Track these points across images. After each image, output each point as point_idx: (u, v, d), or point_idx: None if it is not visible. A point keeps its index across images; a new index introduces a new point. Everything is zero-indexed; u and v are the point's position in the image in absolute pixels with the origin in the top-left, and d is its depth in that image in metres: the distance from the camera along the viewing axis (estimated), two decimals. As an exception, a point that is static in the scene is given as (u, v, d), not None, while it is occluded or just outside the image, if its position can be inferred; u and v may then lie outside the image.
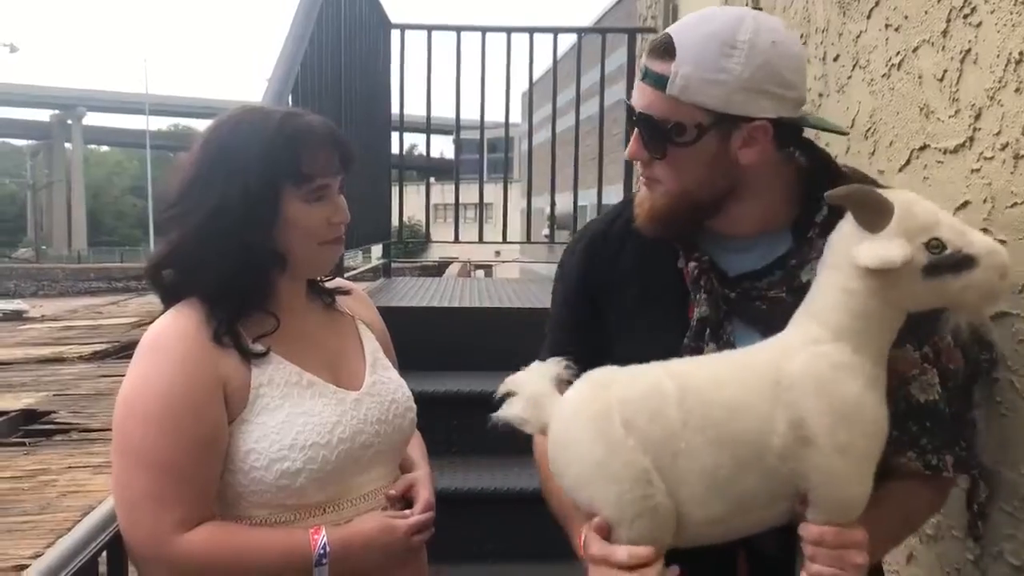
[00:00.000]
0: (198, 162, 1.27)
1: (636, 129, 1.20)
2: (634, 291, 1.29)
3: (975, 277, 1.02)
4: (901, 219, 1.03)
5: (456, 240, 5.03)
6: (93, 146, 68.22)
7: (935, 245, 1.02)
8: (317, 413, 1.28)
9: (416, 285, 4.74)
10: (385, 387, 1.41)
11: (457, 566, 2.71)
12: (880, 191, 1.05)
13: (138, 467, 1.20)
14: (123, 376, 1.27)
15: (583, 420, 1.08)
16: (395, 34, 4.66)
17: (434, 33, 4.57)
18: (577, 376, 1.13)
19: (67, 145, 56.93)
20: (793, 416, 1.03)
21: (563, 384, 1.13)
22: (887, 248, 1.02)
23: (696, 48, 1.13)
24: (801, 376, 1.04)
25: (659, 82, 1.15)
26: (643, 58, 1.20)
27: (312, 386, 1.30)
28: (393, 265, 5.10)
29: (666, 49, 1.14)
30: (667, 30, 1.17)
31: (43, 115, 57.33)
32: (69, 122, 55.12)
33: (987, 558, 1.39)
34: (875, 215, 1.03)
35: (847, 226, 1.07)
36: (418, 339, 3.32)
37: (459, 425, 2.97)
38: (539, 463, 1.31)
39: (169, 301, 1.30)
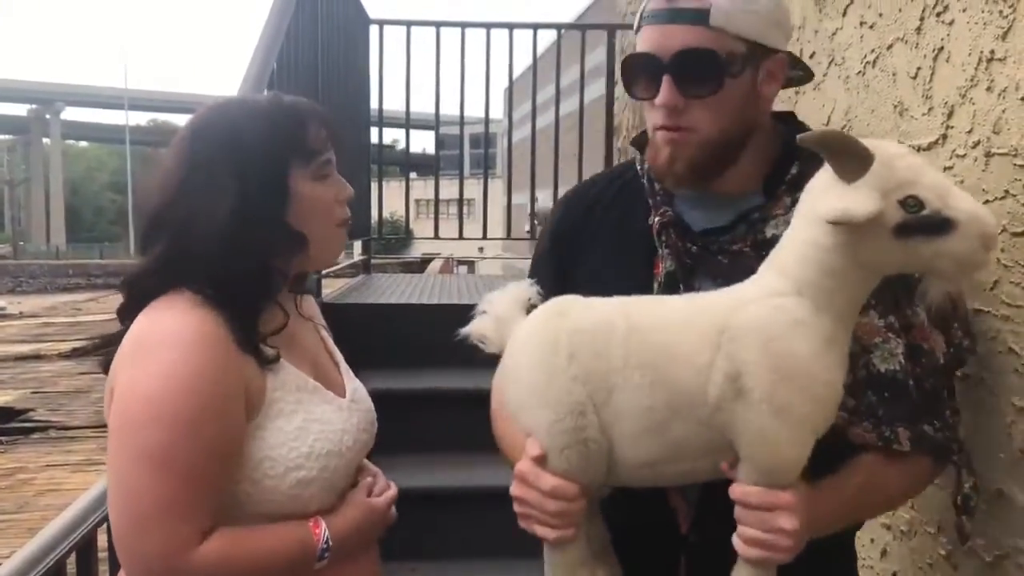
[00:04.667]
0: (191, 159, 1.19)
1: (668, 76, 1.15)
2: (605, 245, 1.31)
3: (951, 244, 0.93)
4: (879, 170, 0.94)
5: (436, 236, 5.02)
6: (71, 141, 67.52)
7: (912, 203, 0.93)
8: (328, 420, 1.23)
9: (397, 281, 4.73)
10: (362, 394, 1.38)
11: (437, 563, 2.72)
12: (864, 140, 0.97)
13: (158, 474, 1.08)
14: (102, 373, 1.19)
15: (532, 345, 1.09)
16: (374, 29, 4.64)
17: (413, 28, 4.56)
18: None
19: (45, 140, 56.36)
20: (732, 368, 0.99)
21: (532, 309, 1.15)
22: (852, 200, 0.94)
23: None
24: (748, 328, 1.00)
25: (698, 17, 1.14)
26: (656, 2, 1.17)
27: (317, 392, 1.25)
28: (374, 261, 5.08)
29: None
30: None
31: (20, 110, 56.71)
32: (47, 117, 54.54)
33: (959, 553, 1.40)
34: (851, 163, 0.95)
35: (824, 174, 1.00)
36: (398, 336, 3.32)
37: (438, 422, 2.97)
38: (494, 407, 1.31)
39: (144, 303, 1.18)
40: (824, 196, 0.98)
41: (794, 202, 1.09)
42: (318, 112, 1.28)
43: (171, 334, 1.12)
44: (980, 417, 1.34)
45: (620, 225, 1.31)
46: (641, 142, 1.32)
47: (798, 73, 1.31)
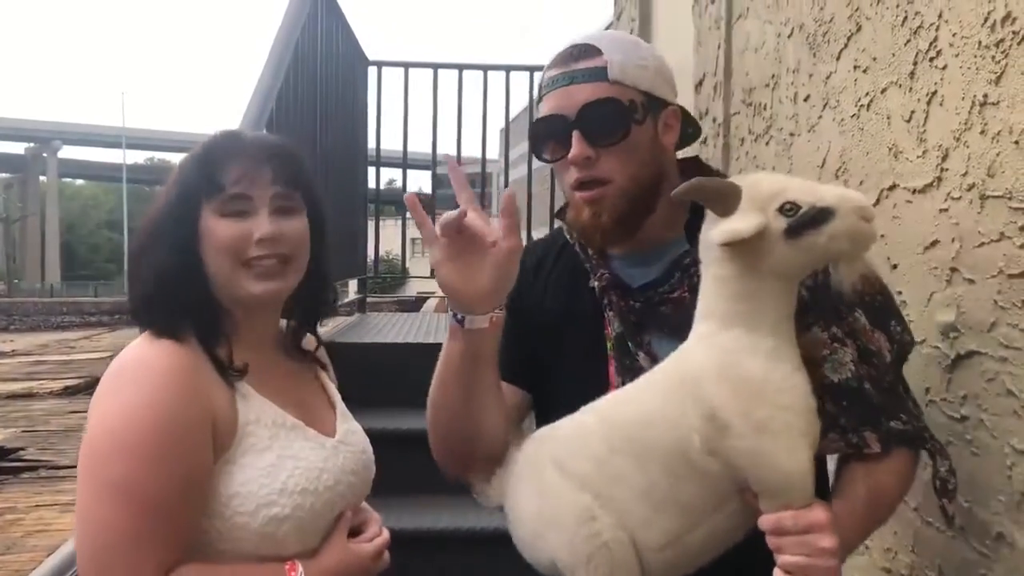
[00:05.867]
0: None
1: (577, 131, 1.23)
2: (556, 311, 1.35)
3: (836, 226, 1.03)
4: (749, 195, 1.05)
5: (432, 275, 5.01)
6: (68, 179, 67.72)
7: (788, 208, 1.04)
8: (304, 457, 1.21)
9: (392, 320, 4.72)
10: (357, 437, 1.36)
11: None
12: (728, 179, 1.08)
13: (121, 505, 1.08)
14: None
15: (523, 477, 1.15)
16: (372, 70, 4.68)
17: (411, 70, 4.60)
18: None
19: (42, 178, 56.51)
20: (704, 409, 1.03)
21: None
22: (737, 222, 1.04)
23: (615, 44, 1.26)
24: (701, 369, 1.05)
25: (597, 74, 1.23)
26: (554, 71, 1.27)
27: (295, 429, 1.24)
28: (369, 300, 5.08)
29: (588, 49, 1.25)
30: (572, 42, 1.28)
31: (18, 148, 56.89)
32: (44, 155, 54.73)
33: (961, 598, 1.39)
34: (723, 199, 1.06)
35: (709, 219, 1.09)
36: (393, 376, 3.30)
37: (434, 463, 2.94)
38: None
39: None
40: (712, 231, 1.07)
41: None
42: (251, 149, 1.24)
43: (136, 367, 1.16)
44: (980, 459, 1.33)
45: (566, 289, 1.36)
46: (564, 212, 1.37)
47: (690, 131, 1.38)
